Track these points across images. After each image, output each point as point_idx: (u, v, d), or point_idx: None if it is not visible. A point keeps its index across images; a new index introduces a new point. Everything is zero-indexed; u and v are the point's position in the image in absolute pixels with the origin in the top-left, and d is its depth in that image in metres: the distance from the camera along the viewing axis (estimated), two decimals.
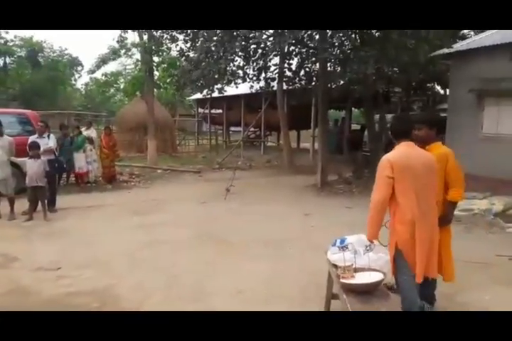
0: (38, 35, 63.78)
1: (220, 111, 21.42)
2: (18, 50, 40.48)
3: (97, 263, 4.29)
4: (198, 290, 3.60)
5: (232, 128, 22.46)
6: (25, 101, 33.67)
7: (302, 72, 10.48)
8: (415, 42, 7.60)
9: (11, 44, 40.11)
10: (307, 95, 11.69)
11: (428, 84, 14.97)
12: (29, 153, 6.18)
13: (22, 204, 6.24)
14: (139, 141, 15.85)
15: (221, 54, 8.71)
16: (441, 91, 15.89)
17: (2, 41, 39.42)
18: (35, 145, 6.19)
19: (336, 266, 2.75)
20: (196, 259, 4.42)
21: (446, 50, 8.38)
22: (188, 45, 9.89)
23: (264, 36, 8.31)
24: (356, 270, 2.62)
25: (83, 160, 8.72)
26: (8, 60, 40.44)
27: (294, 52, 9.97)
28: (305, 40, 9.10)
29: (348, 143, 13.97)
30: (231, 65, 9.75)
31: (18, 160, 6.66)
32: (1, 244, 4.86)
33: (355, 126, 17.75)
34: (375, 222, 2.57)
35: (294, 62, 10.37)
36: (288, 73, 10.61)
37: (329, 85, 9.58)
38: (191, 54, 9.91)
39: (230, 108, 19.55)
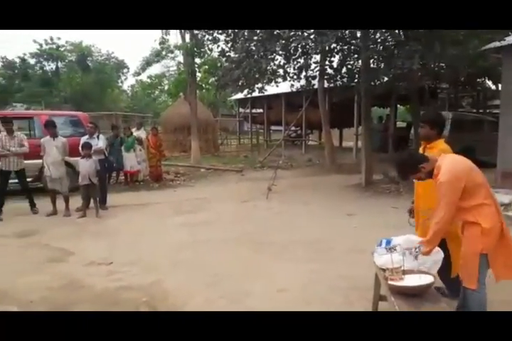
0: (87, 39, 66.73)
1: (261, 110, 21.52)
2: (69, 54, 42.67)
3: (144, 260, 4.46)
4: (239, 289, 3.64)
5: (273, 128, 22.49)
6: (75, 104, 35.42)
7: (344, 70, 10.31)
8: (464, 36, 7.26)
9: (63, 49, 42.31)
10: (349, 92, 11.48)
11: (478, 79, 14.25)
12: (81, 153, 6.50)
13: (76, 201, 6.58)
14: (182, 141, 16.25)
15: (261, 53, 8.75)
16: (493, 87, 15.08)
17: (54, 46, 41.67)
18: (87, 146, 6.51)
19: (383, 269, 2.70)
20: (237, 259, 4.47)
21: (497, 44, 7.93)
22: (229, 45, 10.01)
23: (305, 34, 8.25)
24: (405, 272, 2.56)
25: (134, 160, 9.07)
26: (60, 64, 42.75)
27: (335, 50, 9.83)
28: (347, 37, 8.94)
29: (394, 141, 13.58)
30: (271, 64, 9.77)
31: (71, 159, 7.03)
32: (58, 239, 5.16)
33: (400, 124, 17.23)
34: (443, 233, 2.67)
35: (336, 59, 10.22)
36: (329, 71, 10.47)
37: (372, 82, 9.36)
38: (232, 54, 10.03)
39: (270, 107, 19.58)
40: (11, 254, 4.61)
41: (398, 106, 18.49)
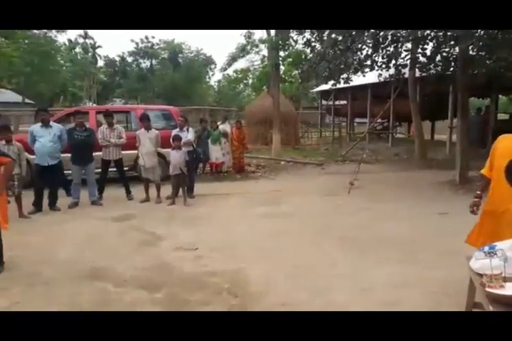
0: (178, 37, 70.54)
1: (345, 102, 20.90)
2: (162, 52, 45.44)
3: (228, 247, 4.61)
4: (320, 283, 3.59)
5: (357, 120, 21.74)
6: (167, 98, 37.72)
7: (438, 58, 9.55)
8: None
9: (157, 47, 45.20)
10: (444, 82, 10.63)
11: None
12: (172, 144, 6.90)
13: (166, 189, 7.03)
14: (264, 133, 16.46)
15: (348, 44, 8.46)
16: None
17: (149, 45, 44.70)
18: (177, 138, 6.89)
19: (480, 274, 2.46)
20: (318, 253, 4.42)
21: None
22: (315, 35, 9.83)
23: None
24: (506, 279, 2.30)
25: (219, 152, 9.43)
26: (154, 61, 45.80)
27: (429, 37, 9.13)
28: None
29: (494, 135, 12.30)
30: (358, 53, 9.40)
31: (163, 150, 7.52)
32: (150, 224, 5.56)
33: (502, 116, 15.56)
34: None
35: (429, 46, 9.50)
36: (422, 59, 9.78)
37: (471, 71, 8.54)
38: (317, 45, 9.84)
39: (355, 98, 18.93)
40: (110, 236, 5.07)
41: (500, 96, 16.70)
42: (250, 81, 34.52)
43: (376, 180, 8.86)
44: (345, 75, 9.95)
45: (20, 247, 4.47)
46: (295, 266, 4.01)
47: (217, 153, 9.43)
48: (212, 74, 49.30)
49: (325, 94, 21.38)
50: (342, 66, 9.07)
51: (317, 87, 20.02)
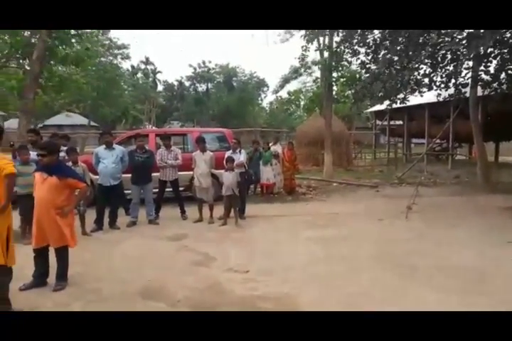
0: (233, 61, 73.05)
1: (400, 122, 20.33)
2: (217, 76, 47.24)
3: (278, 271, 4.55)
4: None
5: (414, 140, 20.99)
6: (221, 121, 38.85)
7: (503, 75, 9.07)
8: None
9: (213, 71, 47.11)
10: (509, 101, 10.03)
11: None
12: (225, 166, 7.04)
13: (219, 209, 7.13)
14: (315, 154, 16.36)
15: (405, 64, 8.29)
16: None
17: (206, 69, 46.67)
18: (231, 160, 7.03)
19: None
20: (373, 281, 4.23)
21: None
22: (370, 57, 9.76)
23: (457, 40, 7.53)
24: None
25: (270, 173, 9.48)
26: (209, 85, 47.67)
27: (492, 54, 8.73)
28: (508, 39, 7.86)
29: None
30: (415, 73, 9.17)
31: (216, 172, 7.68)
32: (203, 244, 5.65)
33: None
34: None
35: (493, 64, 9.07)
36: (485, 77, 9.34)
37: None
38: (372, 66, 9.75)
39: (411, 119, 18.37)
40: (164, 255, 5.20)
41: None
42: (302, 102, 34.76)
43: (435, 204, 8.42)
44: (401, 95, 9.72)
45: (82, 264, 4.70)
46: (349, 294, 3.85)
47: (268, 174, 9.48)
48: (265, 97, 50.37)
49: (379, 114, 20.96)
50: (398, 86, 8.88)
51: (371, 107, 19.71)
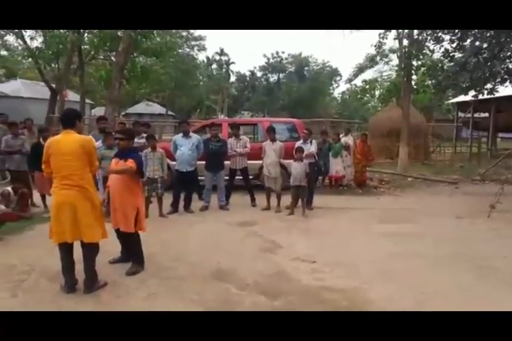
0: (306, 51, 72.13)
1: (486, 114, 18.73)
2: (289, 66, 46.99)
3: (347, 263, 4.49)
4: None
5: (501, 135, 19.25)
6: (290, 111, 38.71)
7: None
8: None
9: (285, 61, 46.94)
10: None
11: None
12: (295, 156, 7.04)
13: (286, 199, 7.17)
14: (390, 146, 15.66)
15: (495, 52, 7.58)
16: None
17: (279, 60, 46.64)
18: (300, 150, 7.01)
19: None
20: (449, 281, 4.01)
21: None
22: (454, 45, 9.07)
23: None
24: None
25: (340, 165, 9.30)
26: (281, 75, 47.61)
27: None
28: None
29: None
30: (507, 61, 8.36)
31: (285, 162, 7.71)
32: (270, 232, 5.75)
33: None
34: None
35: None
36: None
37: None
38: (457, 54, 9.05)
39: (499, 111, 16.83)
40: (234, 240, 5.39)
41: None
42: (377, 92, 33.37)
43: None
44: (489, 85, 8.94)
45: (159, 243, 5.02)
46: (423, 293, 3.70)
47: (337, 166, 9.30)
48: (337, 86, 49.14)
49: (462, 106, 19.47)
50: (486, 76, 8.17)
51: (453, 97, 18.37)
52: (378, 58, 23.83)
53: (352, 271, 4.26)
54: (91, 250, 3.69)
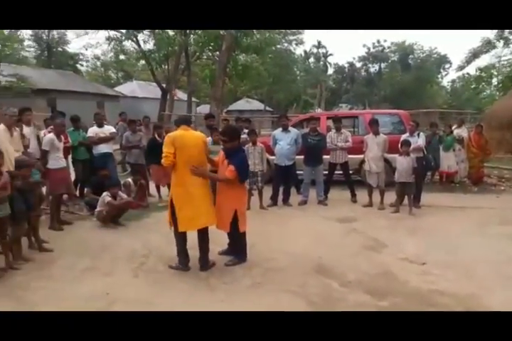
0: (410, 38, 67.64)
1: None
2: (392, 55, 44.50)
3: (460, 267, 4.13)
4: None
5: None
6: (393, 102, 36.73)
7: None
8: None
9: (387, 50, 44.58)
10: None
11: None
12: (400, 150, 6.65)
13: (389, 196, 6.82)
14: (510, 139, 13.94)
15: None
16: None
17: (380, 49, 44.48)
18: (406, 144, 6.60)
19: None
20: None
21: None
22: None
23: None
24: None
25: (452, 160, 8.56)
26: (382, 65, 45.34)
27: None
28: None
29: None
30: None
31: (389, 156, 7.33)
32: (373, 229, 5.53)
33: None
34: None
35: None
36: None
37: None
38: None
39: None
40: (334, 236, 5.30)
41: None
42: (494, 79, 29.87)
43: None
44: None
45: (260, 235, 5.12)
46: None
47: (449, 160, 8.56)
48: (446, 74, 45.18)
49: None
50: None
51: None
52: (496, 41, 21.27)
53: (466, 275, 3.91)
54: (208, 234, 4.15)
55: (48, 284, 3.78)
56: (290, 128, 7.28)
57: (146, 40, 20.50)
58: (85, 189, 7.05)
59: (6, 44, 17.84)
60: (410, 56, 43.16)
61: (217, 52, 15.87)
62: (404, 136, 7.06)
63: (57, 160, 5.63)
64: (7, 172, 4.17)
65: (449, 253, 4.53)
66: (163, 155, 3.91)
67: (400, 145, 6.72)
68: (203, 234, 4.13)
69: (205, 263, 4.12)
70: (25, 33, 30.58)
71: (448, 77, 59.21)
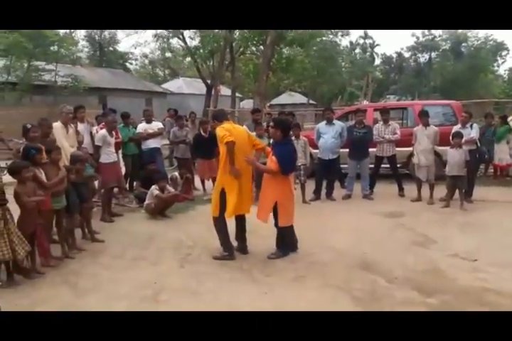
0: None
1: None
2: (443, 43, 42.32)
3: None
4: None
5: None
6: (444, 92, 35.01)
7: None
8: None
9: (438, 39, 42.43)
10: None
11: None
12: (451, 142, 6.34)
13: (440, 190, 6.53)
14: None
15: None
16: None
17: (430, 38, 42.41)
18: (458, 135, 6.27)
19: None
20: None
21: None
22: None
23: None
24: None
25: (505, 152, 8.04)
26: (433, 54, 43.25)
27: None
28: None
29: None
30: None
31: (439, 148, 7.01)
32: (421, 225, 5.32)
33: None
34: None
35: None
36: None
37: None
38: None
39: None
40: (380, 231, 5.15)
41: None
42: None
43: None
44: None
45: (302, 229, 5.06)
46: None
47: (502, 153, 8.04)
48: (503, 62, 42.31)
49: None
50: None
51: None
52: None
53: None
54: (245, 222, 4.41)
55: (99, 272, 4.00)
56: (335, 121, 7.14)
57: (192, 36, 20.90)
58: (134, 183, 7.36)
59: (62, 45, 18.85)
60: (463, 44, 40.79)
61: (262, 47, 15.86)
62: (455, 128, 6.72)
63: (108, 155, 5.92)
64: (63, 166, 4.44)
65: (503, 251, 4.28)
66: (224, 135, 4.00)
67: (451, 137, 6.40)
68: (242, 222, 4.37)
69: (245, 250, 4.39)
70: (80, 34, 32.21)
71: (505, 65, 55.30)
